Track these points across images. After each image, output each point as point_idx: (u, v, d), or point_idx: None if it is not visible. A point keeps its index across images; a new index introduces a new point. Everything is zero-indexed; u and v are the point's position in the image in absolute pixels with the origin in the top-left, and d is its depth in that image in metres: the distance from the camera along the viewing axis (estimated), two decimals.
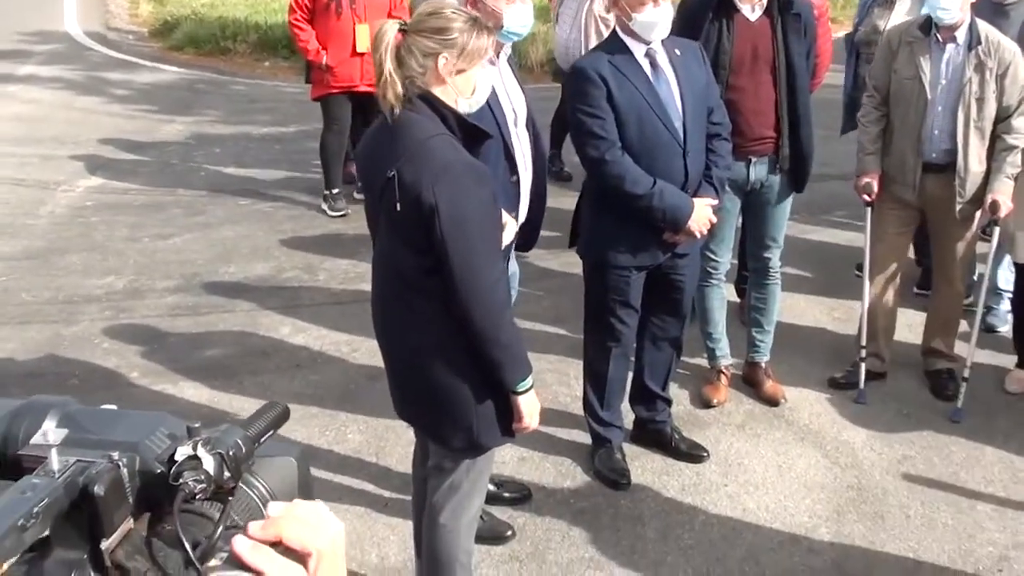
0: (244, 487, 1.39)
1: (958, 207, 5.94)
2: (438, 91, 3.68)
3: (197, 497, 1.30)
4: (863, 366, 6.30)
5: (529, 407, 3.86)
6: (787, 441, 5.85)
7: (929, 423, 6.02)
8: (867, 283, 6.38)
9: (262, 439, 1.44)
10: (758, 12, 5.62)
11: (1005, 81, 5.78)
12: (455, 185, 3.55)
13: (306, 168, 10.92)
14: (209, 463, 1.30)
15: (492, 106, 4.32)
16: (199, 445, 1.30)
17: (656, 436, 5.71)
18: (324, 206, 9.54)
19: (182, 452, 1.31)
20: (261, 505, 1.42)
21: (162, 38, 18.64)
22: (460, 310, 3.63)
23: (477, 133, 3.81)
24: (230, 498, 1.34)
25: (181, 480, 1.28)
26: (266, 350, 6.90)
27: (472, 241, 3.58)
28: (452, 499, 4.07)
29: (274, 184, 10.48)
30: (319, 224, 9.27)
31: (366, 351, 6.65)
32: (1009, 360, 6.54)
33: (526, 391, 3.82)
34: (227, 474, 1.32)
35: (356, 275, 7.95)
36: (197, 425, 1.35)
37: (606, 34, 5.89)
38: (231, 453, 1.32)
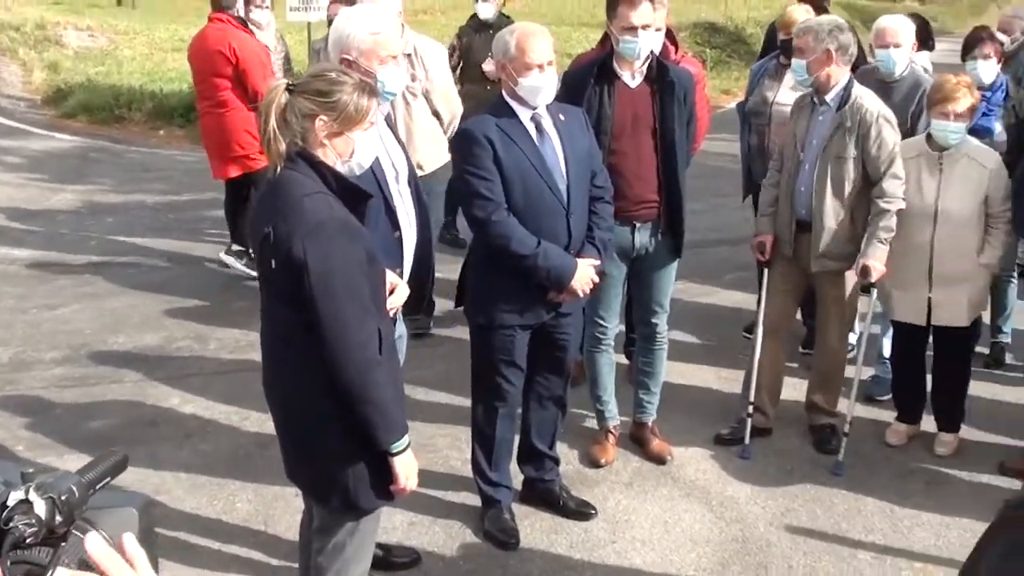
0: (77, 533, 1.39)
1: (814, 262, 6.13)
2: (318, 152, 3.73)
3: (28, 541, 1.30)
4: (749, 422, 6.42)
5: (405, 468, 3.85)
6: (673, 497, 5.92)
7: (812, 477, 6.13)
8: (758, 342, 6.51)
9: (97, 485, 1.44)
10: (638, 79, 5.77)
11: (867, 143, 5.95)
12: (325, 242, 3.58)
13: (199, 237, 10.87)
14: (40, 507, 1.30)
15: (372, 164, 4.37)
16: (31, 490, 1.31)
17: (545, 495, 5.74)
18: (241, 264, 9.53)
19: (14, 497, 1.31)
20: None
21: (55, 106, 18.44)
22: (330, 368, 3.64)
23: (357, 193, 3.85)
24: (62, 543, 1.34)
25: (11, 524, 1.29)
26: (155, 420, 6.82)
27: (341, 299, 3.60)
28: (336, 561, 4.07)
29: (166, 253, 10.39)
30: (211, 293, 9.22)
31: (256, 419, 6.62)
32: (888, 414, 6.70)
33: (401, 452, 3.81)
34: (59, 519, 1.31)
35: (247, 344, 7.90)
36: (31, 471, 1.36)
37: None
38: (63, 498, 1.32)
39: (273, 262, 3.62)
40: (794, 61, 6.06)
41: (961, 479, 6.14)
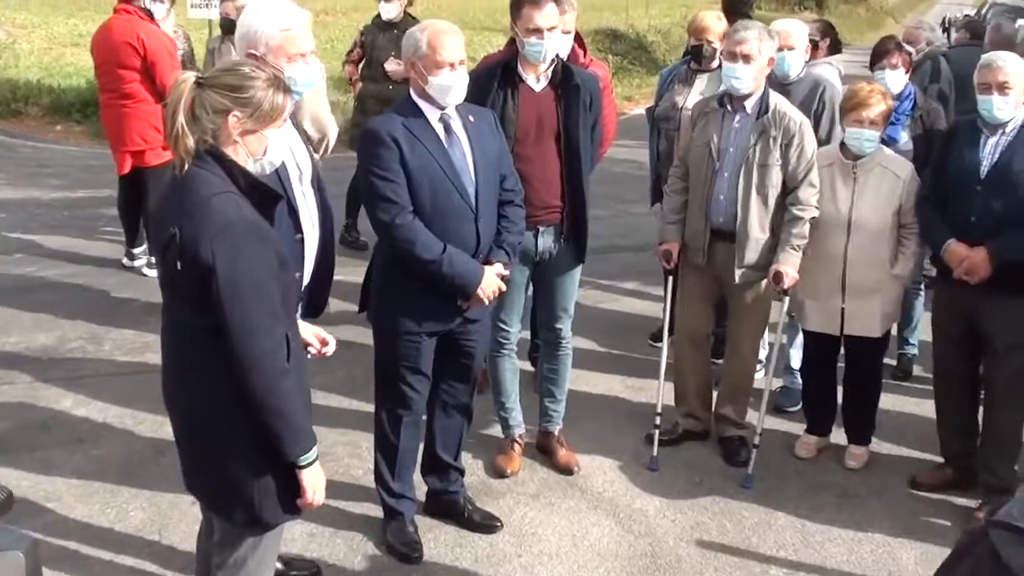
0: None
1: (738, 272, 6.04)
2: (229, 149, 3.55)
3: None
4: (656, 433, 6.34)
5: (313, 481, 3.68)
6: (581, 510, 5.79)
7: (721, 489, 6.05)
8: (665, 350, 6.46)
9: None
10: (543, 83, 5.64)
11: (790, 151, 5.91)
12: (234, 244, 3.40)
13: (94, 235, 10.62)
14: None
15: None
16: None
17: (449, 507, 5.59)
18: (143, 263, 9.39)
19: None
20: None
21: None
22: (236, 375, 3.46)
23: (267, 194, 3.68)
24: None
25: None
26: (46, 424, 6.56)
27: (249, 303, 3.42)
28: None
29: (61, 251, 10.11)
30: (106, 293, 8.97)
31: (151, 423, 6.41)
32: (796, 426, 6.66)
33: (309, 464, 3.64)
34: None
35: (143, 345, 7.69)
36: None
37: None
38: None
39: (179, 263, 3.42)
40: (737, 67, 5.88)
41: (872, 493, 6.10)
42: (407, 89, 5.04)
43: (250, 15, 4.45)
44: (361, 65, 10.09)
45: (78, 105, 16.49)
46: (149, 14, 9.15)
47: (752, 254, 6.01)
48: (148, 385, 6.24)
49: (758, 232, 5.99)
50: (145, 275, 9.27)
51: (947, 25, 36.64)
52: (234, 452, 3.62)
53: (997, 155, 5.61)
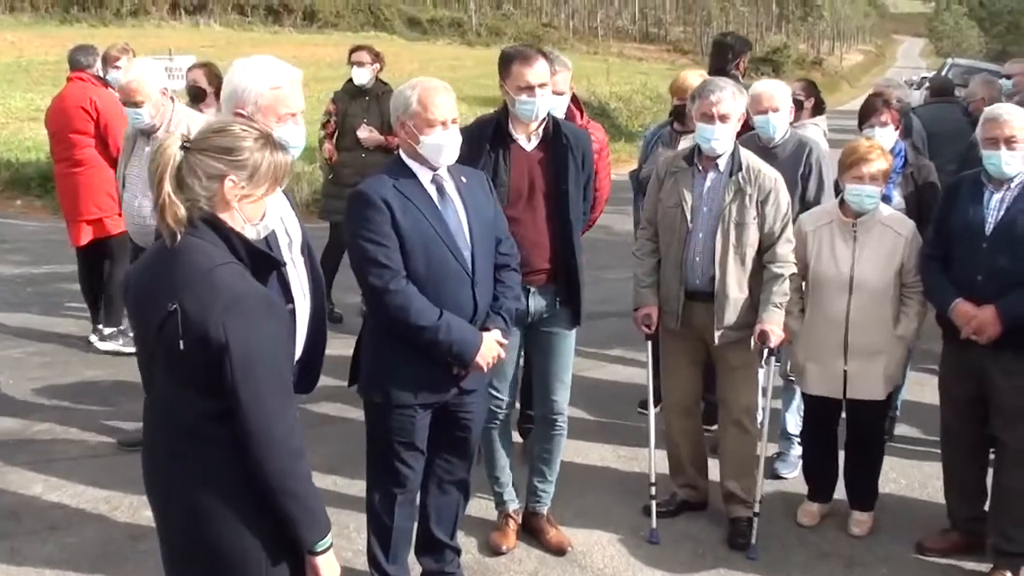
0: None
1: (718, 334, 5.85)
2: (225, 216, 3.32)
3: None
4: (654, 504, 6.11)
5: (329, 569, 3.42)
6: None
7: (726, 561, 5.84)
8: (652, 419, 6.24)
9: None
10: (534, 142, 5.47)
11: (766, 208, 5.77)
12: (247, 320, 3.17)
13: (58, 311, 10.35)
14: None
15: None
16: None
17: None
18: (106, 345, 9.08)
19: None
20: None
21: None
22: (254, 460, 3.21)
23: (267, 261, 3.46)
24: None
25: None
26: (16, 511, 6.23)
27: (266, 383, 3.19)
28: None
29: (24, 329, 9.81)
30: (73, 371, 8.66)
31: (127, 508, 6.13)
32: (797, 489, 6.49)
33: (325, 550, 3.39)
34: None
35: (114, 426, 7.39)
36: None
37: None
38: None
39: (181, 343, 3.17)
40: (715, 128, 5.72)
41: (879, 560, 5.91)
42: (381, 157, 4.82)
43: (238, 73, 4.22)
44: (335, 136, 9.89)
45: (37, 179, 16.29)
46: (103, 81, 9.07)
47: (732, 314, 5.83)
48: (122, 468, 6.00)
49: (736, 292, 5.81)
50: (100, 350, 9.02)
51: (907, 86, 37.12)
52: (242, 544, 3.34)
53: (1003, 211, 5.47)
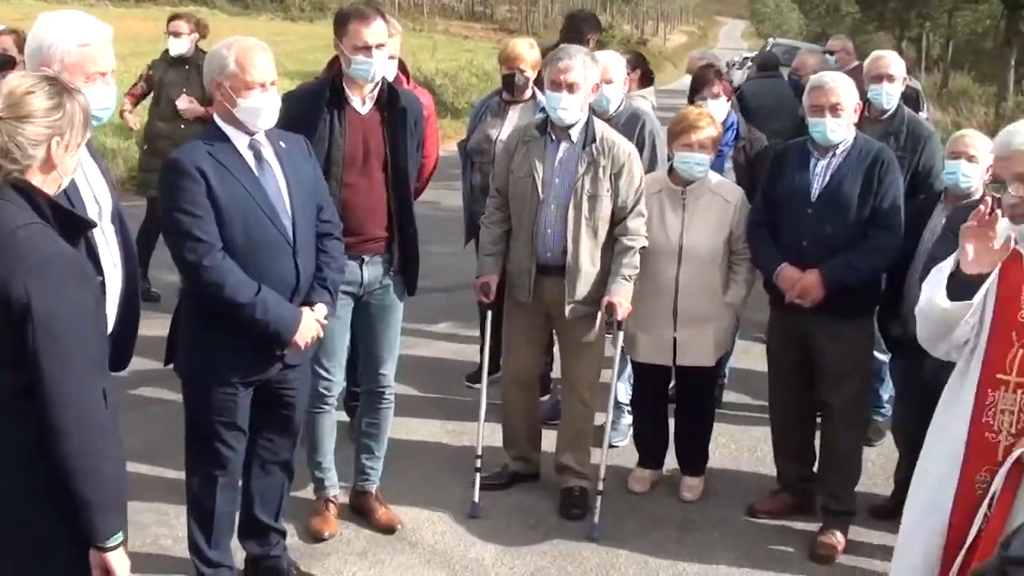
0: None
1: (568, 308, 5.74)
2: (39, 178, 3.08)
3: None
4: (478, 477, 5.99)
5: (122, 567, 3.17)
6: (413, 565, 5.43)
7: (559, 531, 5.78)
8: (484, 391, 6.13)
9: None
10: (369, 105, 5.28)
11: (620, 181, 5.66)
12: (54, 283, 2.93)
13: None
14: None
15: (71, 196, 3.66)
16: None
17: (272, 572, 5.10)
18: None
19: None
20: None
21: None
22: (49, 435, 2.95)
23: (76, 222, 3.22)
24: None
25: None
26: None
27: (72, 351, 2.96)
28: None
29: None
30: None
31: None
32: (628, 460, 6.46)
33: (117, 546, 3.13)
34: None
35: None
36: None
37: None
38: None
39: None
40: (562, 97, 5.57)
41: (712, 524, 5.95)
42: (200, 129, 4.59)
43: (43, 28, 3.92)
44: (150, 103, 9.51)
45: None
46: None
47: (583, 288, 5.72)
48: None
49: (589, 266, 5.71)
50: None
51: (727, 68, 37.75)
52: (46, 532, 3.11)
53: (828, 177, 5.52)
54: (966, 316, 3.85)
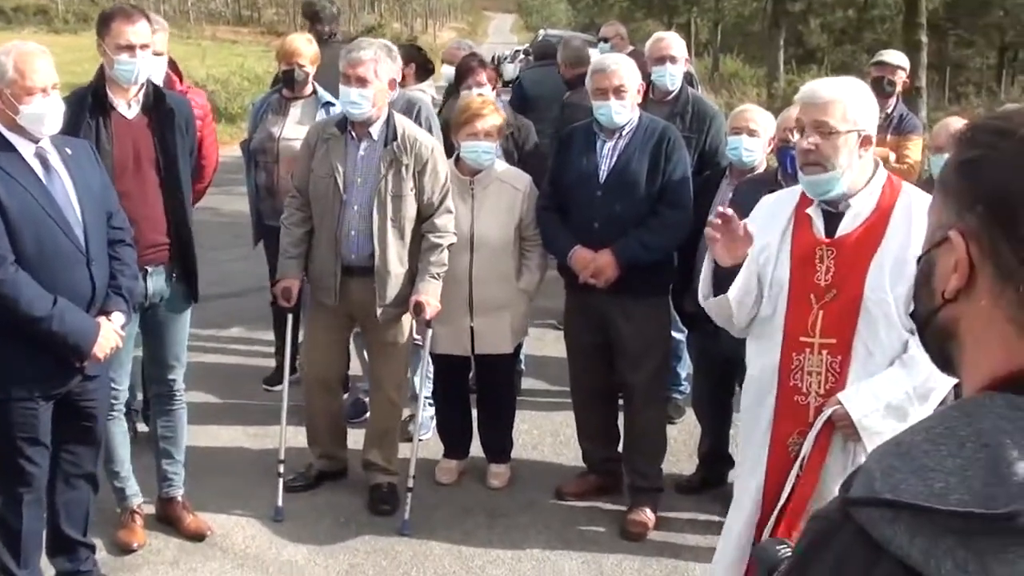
0: None
1: (379, 311, 5.72)
2: None
3: None
4: (281, 481, 5.93)
5: None
6: (226, 571, 5.37)
7: (370, 527, 5.78)
8: (285, 393, 6.09)
9: None
10: (135, 109, 5.17)
11: (424, 178, 5.63)
12: None
13: None
14: None
15: None
16: None
17: None
18: None
19: None
20: None
21: None
22: None
23: None
24: None
25: None
26: None
27: None
28: None
29: None
30: None
31: None
32: (434, 453, 6.51)
33: None
34: None
35: None
36: None
37: None
38: None
39: None
40: (352, 91, 5.52)
41: (521, 509, 6.03)
42: None
43: None
44: None
45: None
46: None
47: (393, 290, 5.71)
48: None
49: (397, 267, 5.69)
50: None
51: (497, 62, 38.01)
52: None
53: (615, 158, 5.63)
54: (732, 304, 3.99)
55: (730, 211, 3.89)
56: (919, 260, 1.52)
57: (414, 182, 5.64)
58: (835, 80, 3.98)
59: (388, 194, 5.61)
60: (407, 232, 5.69)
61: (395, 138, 5.64)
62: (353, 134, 5.70)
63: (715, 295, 4.07)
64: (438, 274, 5.70)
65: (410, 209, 5.66)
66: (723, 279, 4.01)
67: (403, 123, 5.75)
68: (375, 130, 5.67)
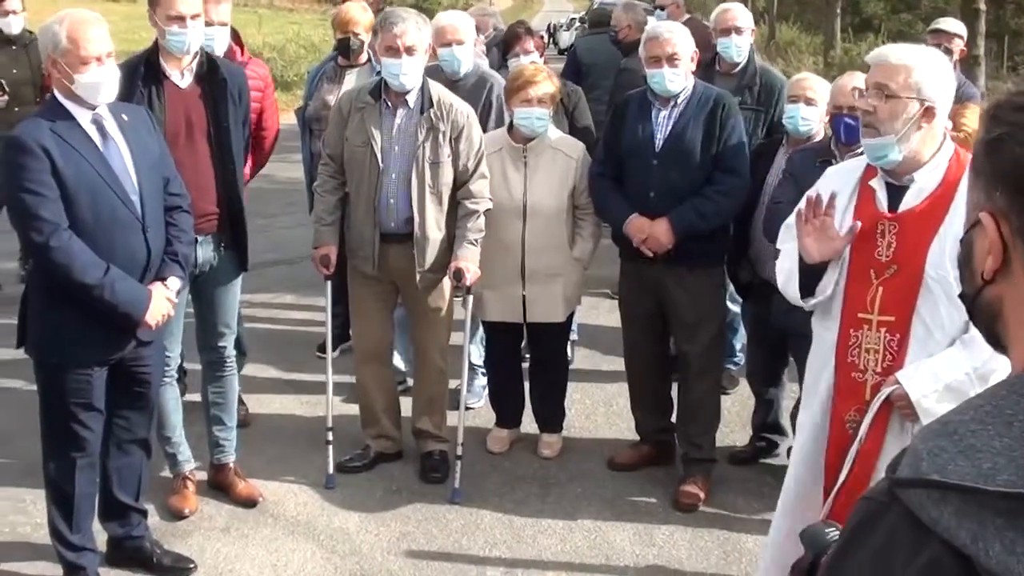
0: None
1: (418, 277, 5.73)
2: None
3: None
4: (331, 449, 5.94)
5: None
6: (278, 537, 5.40)
7: (421, 496, 5.79)
8: (330, 362, 6.08)
9: None
10: (188, 79, 5.18)
11: (460, 145, 5.62)
12: None
13: None
14: None
15: None
16: None
17: (135, 553, 5.04)
18: None
19: None
20: None
21: None
22: None
23: None
24: None
25: None
26: None
27: None
28: None
29: None
30: None
31: None
32: (486, 421, 6.52)
33: None
34: None
35: None
36: None
37: None
38: None
39: None
40: (401, 63, 5.47)
41: (573, 479, 6.01)
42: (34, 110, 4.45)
43: None
44: None
45: None
46: None
47: (431, 256, 5.70)
48: None
49: (436, 233, 5.69)
50: None
51: (552, 31, 37.89)
52: None
53: (670, 127, 5.58)
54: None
55: (823, 196, 3.83)
56: (961, 241, 1.50)
57: (451, 148, 5.63)
58: (911, 47, 3.85)
59: (426, 161, 5.60)
60: (445, 198, 5.69)
61: (431, 105, 5.62)
62: (388, 103, 5.67)
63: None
64: (476, 240, 5.69)
65: (447, 175, 5.65)
66: (809, 275, 3.94)
67: (438, 90, 5.73)
68: (411, 98, 5.65)
